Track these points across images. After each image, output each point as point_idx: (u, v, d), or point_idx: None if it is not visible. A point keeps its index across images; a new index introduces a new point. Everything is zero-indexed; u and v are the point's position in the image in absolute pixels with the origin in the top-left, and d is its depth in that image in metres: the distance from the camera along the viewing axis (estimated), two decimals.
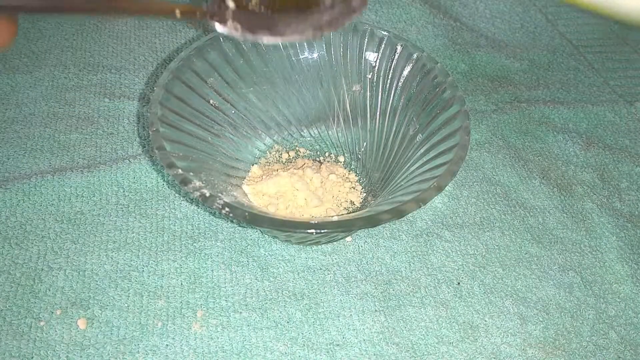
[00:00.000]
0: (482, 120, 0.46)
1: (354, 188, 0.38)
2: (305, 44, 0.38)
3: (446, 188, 0.29)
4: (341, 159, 0.40)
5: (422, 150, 0.33)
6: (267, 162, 0.40)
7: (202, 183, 0.28)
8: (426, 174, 0.31)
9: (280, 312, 0.33)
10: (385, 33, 0.37)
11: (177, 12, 0.21)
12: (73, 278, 0.33)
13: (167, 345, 0.31)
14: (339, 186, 0.37)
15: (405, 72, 0.36)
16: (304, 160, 0.40)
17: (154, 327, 0.31)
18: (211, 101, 0.35)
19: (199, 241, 0.36)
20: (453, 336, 0.33)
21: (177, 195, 0.38)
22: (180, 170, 0.28)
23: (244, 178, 0.37)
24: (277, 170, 0.37)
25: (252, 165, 0.38)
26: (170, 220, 0.37)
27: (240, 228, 0.37)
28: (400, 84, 0.37)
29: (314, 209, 0.35)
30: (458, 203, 0.40)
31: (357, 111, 0.40)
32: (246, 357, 0.31)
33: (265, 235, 0.36)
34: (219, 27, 0.23)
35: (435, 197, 0.28)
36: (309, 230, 0.27)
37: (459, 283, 0.35)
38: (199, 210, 0.37)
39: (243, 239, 0.36)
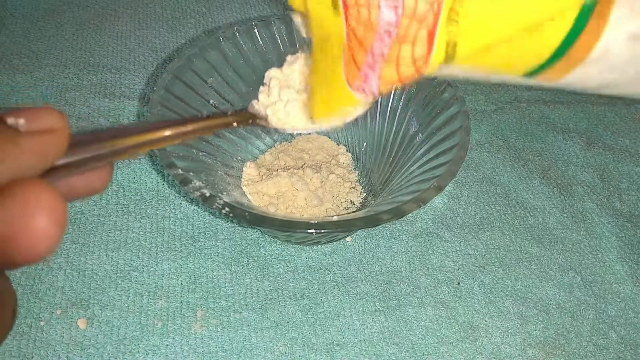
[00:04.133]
0: (482, 120, 0.46)
1: (354, 188, 0.38)
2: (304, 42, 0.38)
3: (446, 188, 0.29)
4: (341, 158, 0.40)
5: (422, 150, 0.33)
6: (266, 162, 0.39)
7: (202, 183, 0.28)
8: (426, 174, 0.31)
9: (280, 312, 0.33)
10: None
11: (234, 123, 0.25)
12: (73, 278, 0.33)
13: (167, 345, 0.31)
14: (339, 186, 0.37)
15: None
16: (304, 160, 0.40)
17: (154, 327, 0.31)
18: (211, 101, 0.35)
19: (199, 241, 0.36)
20: (453, 336, 0.33)
21: (177, 195, 0.38)
22: (180, 170, 0.28)
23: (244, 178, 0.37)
24: (277, 170, 0.37)
25: (250, 162, 0.38)
26: (170, 220, 0.37)
27: (240, 228, 0.37)
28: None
29: (314, 209, 0.35)
30: (458, 203, 0.40)
31: None
32: (246, 357, 0.31)
33: (265, 235, 0.36)
34: (269, 125, 0.27)
35: (435, 197, 0.28)
36: (309, 230, 0.27)
37: (459, 283, 0.35)
38: (199, 210, 0.37)
39: (243, 239, 0.36)
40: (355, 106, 0.23)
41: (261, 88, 0.28)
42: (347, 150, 0.41)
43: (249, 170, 0.37)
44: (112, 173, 0.19)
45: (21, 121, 0.15)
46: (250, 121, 0.26)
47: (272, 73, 0.28)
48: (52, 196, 0.14)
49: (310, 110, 0.25)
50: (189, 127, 0.22)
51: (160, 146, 0.21)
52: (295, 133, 0.27)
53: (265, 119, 0.27)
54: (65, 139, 0.16)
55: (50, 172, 0.16)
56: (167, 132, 0.21)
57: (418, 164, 0.33)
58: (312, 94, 0.25)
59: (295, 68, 0.27)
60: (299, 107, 0.27)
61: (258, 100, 0.28)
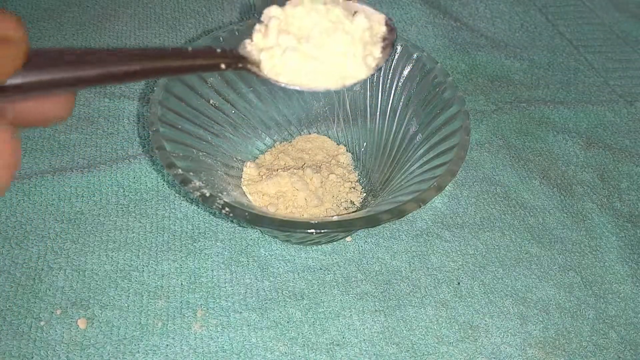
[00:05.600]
0: (482, 120, 0.46)
1: (354, 188, 0.38)
2: None
3: (446, 188, 0.29)
4: (341, 158, 0.40)
5: (422, 150, 0.33)
6: (266, 162, 0.39)
7: (202, 183, 0.28)
8: (426, 174, 0.31)
9: (280, 312, 0.33)
10: None
11: (223, 65, 0.22)
12: (73, 278, 0.33)
13: (167, 345, 0.31)
14: (339, 186, 0.37)
15: (405, 72, 0.36)
16: (304, 160, 0.40)
17: (154, 327, 0.31)
18: (211, 101, 0.35)
19: (199, 241, 0.36)
20: (453, 336, 0.33)
21: (177, 195, 0.38)
22: (180, 170, 0.28)
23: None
24: (277, 170, 0.37)
25: (250, 162, 0.38)
26: (170, 220, 0.37)
27: (240, 228, 0.37)
28: (400, 84, 0.37)
29: (314, 209, 0.35)
30: (458, 203, 0.40)
31: (357, 111, 0.40)
32: (246, 357, 0.31)
33: (265, 235, 0.36)
34: (260, 73, 0.23)
35: (435, 197, 0.28)
36: (309, 230, 0.27)
37: (459, 283, 0.35)
38: (199, 210, 0.37)
39: (243, 239, 0.36)
40: None
41: (257, 26, 0.24)
42: (347, 150, 0.41)
43: (249, 170, 0.37)
44: (73, 103, 0.16)
45: None
46: (241, 65, 0.23)
47: (273, 11, 0.24)
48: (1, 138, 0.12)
49: None
50: (167, 63, 0.19)
51: (133, 81, 0.18)
52: (288, 88, 0.24)
53: (258, 65, 0.23)
54: (22, 53, 0.13)
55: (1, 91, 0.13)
56: (141, 66, 0.17)
57: (418, 164, 0.33)
58: None
59: (299, 10, 0.24)
60: (298, 59, 0.23)
61: (252, 41, 0.24)
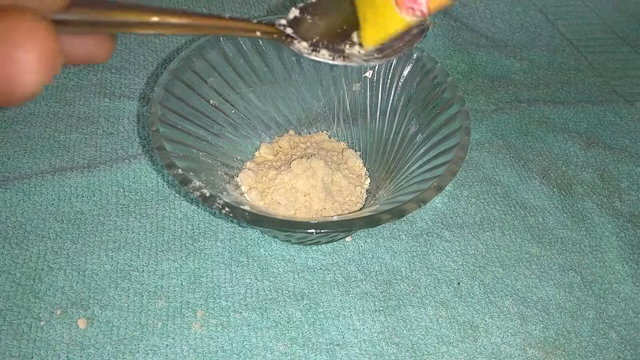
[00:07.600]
0: (482, 120, 0.46)
1: (354, 188, 0.38)
2: None
3: (446, 188, 0.29)
4: (347, 158, 0.40)
5: (422, 150, 0.33)
6: (266, 161, 0.39)
7: (202, 183, 0.28)
8: (426, 174, 0.31)
9: (280, 312, 0.33)
10: None
11: (258, 32, 0.22)
12: (73, 278, 0.33)
13: (167, 345, 0.31)
14: (341, 186, 0.37)
15: (405, 72, 0.36)
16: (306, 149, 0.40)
17: (154, 327, 0.31)
18: (211, 101, 0.35)
19: (199, 241, 0.36)
20: (453, 336, 0.33)
21: (177, 195, 0.38)
22: (180, 170, 0.28)
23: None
24: (279, 167, 0.37)
25: (250, 162, 0.38)
26: (170, 220, 0.37)
27: (240, 228, 0.37)
28: (400, 84, 0.37)
29: (315, 208, 0.35)
30: (458, 203, 0.40)
31: (357, 111, 0.40)
32: (246, 357, 0.31)
33: (265, 235, 0.36)
34: (299, 48, 0.24)
35: (435, 197, 0.28)
36: (309, 230, 0.27)
37: (459, 283, 0.35)
38: (199, 210, 0.37)
39: (243, 239, 0.36)
40: (404, 27, 0.23)
41: (293, 9, 0.25)
42: (348, 148, 0.41)
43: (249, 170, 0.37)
44: (114, 46, 0.18)
45: None
46: (276, 36, 0.23)
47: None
48: (44, 30, 0.13)
49: (362, 36, 0.24)
50: (204, 21, 0.20)
51: (166, 32, 0.19)
52: (322, 61, 0.24)
53: (293, 38, 0.24)
54: None
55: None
56: (178, 20, 0.19)
57: (418, 164, 0.33)
58: (361, 19, 0.24)
59: None
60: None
61: (285, 19, 0.24)
